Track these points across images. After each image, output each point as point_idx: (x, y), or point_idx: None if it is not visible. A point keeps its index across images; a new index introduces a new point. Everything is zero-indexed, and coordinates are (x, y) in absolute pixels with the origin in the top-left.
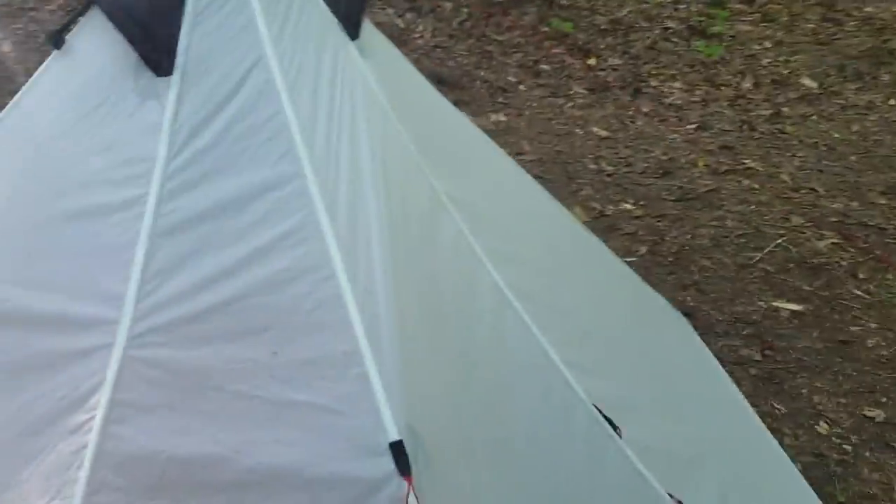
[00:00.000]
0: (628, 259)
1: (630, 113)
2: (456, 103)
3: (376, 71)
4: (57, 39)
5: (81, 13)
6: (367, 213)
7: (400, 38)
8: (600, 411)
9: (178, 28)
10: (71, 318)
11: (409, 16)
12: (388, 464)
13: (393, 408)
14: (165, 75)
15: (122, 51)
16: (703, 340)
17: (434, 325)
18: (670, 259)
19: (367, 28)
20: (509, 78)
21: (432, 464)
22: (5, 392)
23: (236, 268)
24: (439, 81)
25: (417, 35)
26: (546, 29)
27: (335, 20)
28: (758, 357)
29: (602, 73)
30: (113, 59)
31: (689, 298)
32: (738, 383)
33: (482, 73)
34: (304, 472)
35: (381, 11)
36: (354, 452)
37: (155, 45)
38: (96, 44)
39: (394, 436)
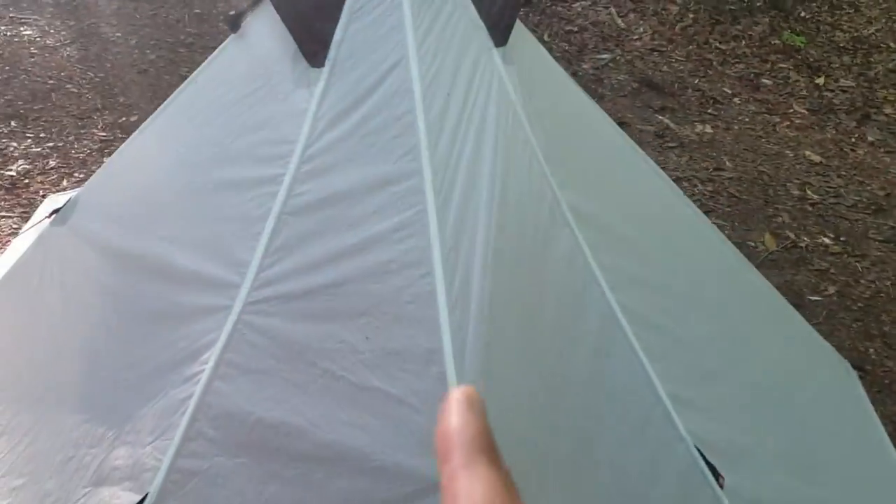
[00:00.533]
0: (813, 298)
1: (852, 140)
2: (662, 109)
3: (519, 78)
4: (234, 23)
5: (257, 2)
6: (477, 219)
7: (617, 38)
8: (702, 454)
9: (335, 24)
10: (204, 277)
11: (631, 16)
12: None
13: None
14: (318, 67)
15: (284, 40)
16: (878, 399)
17: (530, 338)
18: (860, 304)
19: (521, 34)
20: (725, 89)
21: None
22: (144, 336)
23: (347, 253)
24: (648, 85)
25: (636, 37)
26: (776, 42)
27: (482, 26)
28: None
29: (829, 94)
30: (276, 47)
31: (871, 351)
32: None
33: (696, 82)
34: (371, 458)
35: (603, 10)
36: (420, 449)
37: (312, 38)
38: (265, 32)
39: None
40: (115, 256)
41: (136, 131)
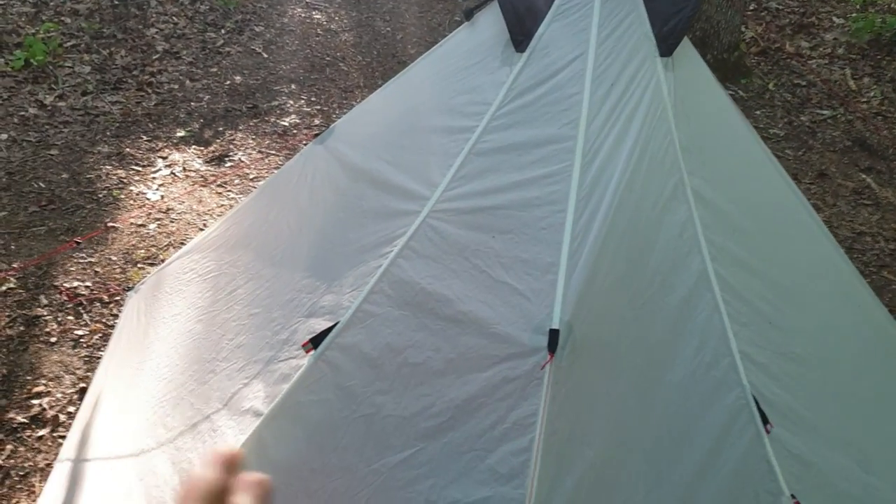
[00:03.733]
0: None
1: None
2: (868, 169)
3: (675, 84)
4: (469, 14)
5: (488, 1)
6: (611, 179)
7: (844, 98)
8: (757, 403)
9: (540, 22)
10: (407, 190)
11: (866, 80)
12: (543, 341)
13: (563, 309)
14: (521, 52)
15: (502, 30)
16: None
17: (630, 274)
18: None
19: (687, 52)
20: None
21: (576, 356)
22: (360, 225)
23: (509, 188)
24: (861, 146)
25: (864, 100)
26: None
27: (653, 38)
28: None
29: None
30: (495, 35)
31: None
32: None
33: None
34: (492, 326)
35: (838, 70)
36: (526, 326)
37: (522, 31)
38: (490, 22)
39: (555, 325)
40: (350, 169)
41: (384, 84)
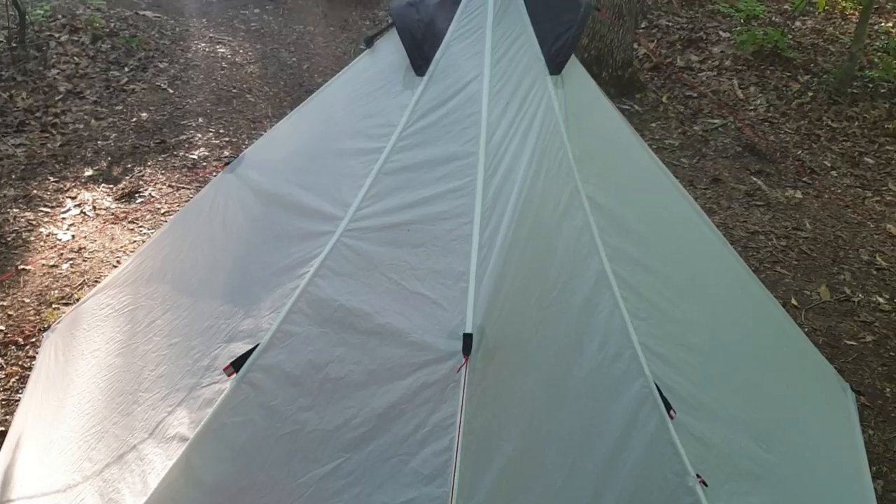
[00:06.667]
0: (850, 342)
1: None
2: (759, 172)
3: (566, 100)
4: (369, 42)
5: (387, 28)
6: (511, 191)
7: (733, 107)
8: (660, 391)
9: (437, 47)
10: (320, 212)
11: (752, 89)
12: (458, 345)
13: (475, 315)
14: (421, 76)
15: (402, 56)
16: (880, 426)
17: (535, 278)
18: (893, 353)
19: (575, 70)
20: (825, 162)
21: (489, 358)
22: (275, 249)
23: (418, 204)
24: (751, 151)
25: (751, 107)
26: (889, 126)
27: (542, 59)
28: None
29: None
30: (395, 61)
31: (888, 390)
32: (890, 473)
33: (799, 153)
34: (409, 335)
35: (726, 81)
36: (441, 333)
37: (421, 56)
38: (389, 50)
39: (469, 330)
40: (263, 195)
41: (291, 112)
